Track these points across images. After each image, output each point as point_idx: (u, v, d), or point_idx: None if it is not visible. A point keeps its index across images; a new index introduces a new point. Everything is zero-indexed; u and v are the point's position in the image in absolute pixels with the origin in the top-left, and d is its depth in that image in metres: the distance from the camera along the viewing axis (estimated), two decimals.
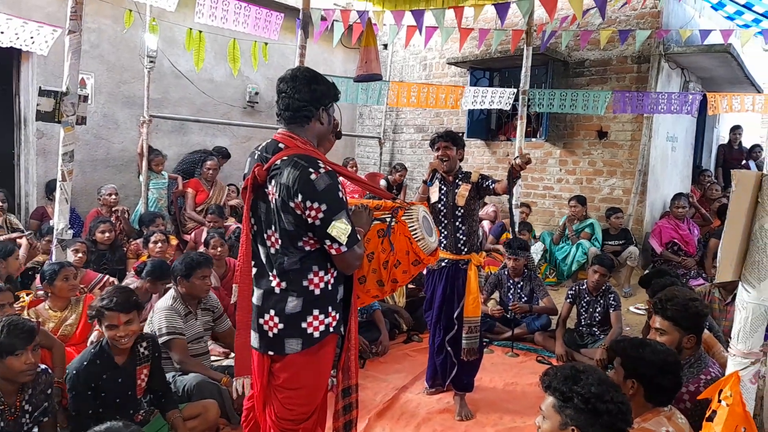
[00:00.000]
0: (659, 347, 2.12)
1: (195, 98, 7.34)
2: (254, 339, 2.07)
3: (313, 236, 1.95)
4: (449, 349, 3.54)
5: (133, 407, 2.79)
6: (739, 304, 1.48)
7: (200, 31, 5.31)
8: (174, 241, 5.57)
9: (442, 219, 3.49)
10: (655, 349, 2.08)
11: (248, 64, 5.96)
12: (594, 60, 7.08)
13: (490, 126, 8.34)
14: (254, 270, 2.09)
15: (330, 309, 2.03)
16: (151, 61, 6.04)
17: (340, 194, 1.92)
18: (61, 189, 3.77)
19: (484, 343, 4.56)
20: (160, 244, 4.96)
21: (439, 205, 3.49)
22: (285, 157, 1.94)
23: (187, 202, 6.49)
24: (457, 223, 3.45)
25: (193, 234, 6.19)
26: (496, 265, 5.98)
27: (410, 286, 5.30)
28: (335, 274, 2.04)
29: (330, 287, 2.03)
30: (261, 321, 2.03)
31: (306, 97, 2.02)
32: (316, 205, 1.87)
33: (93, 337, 3.37)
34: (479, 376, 3.82)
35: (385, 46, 9.09)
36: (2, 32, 3.73)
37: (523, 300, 4.99)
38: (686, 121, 7.78)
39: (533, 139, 7.55)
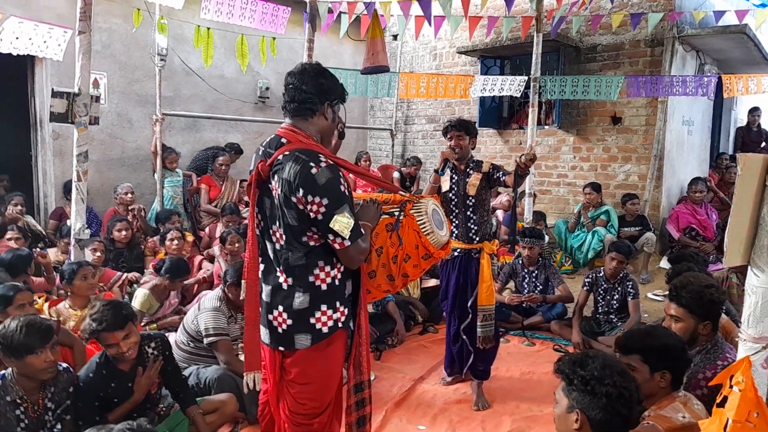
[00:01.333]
0: (666, 330, 2.11)
1: (206, 95, 7.39)
2: (265, 335, 2.08)
3: (316, 231, 1.94)
4: (464, 337, 3.55)
5: (150, 404, 2.82)
6: (749, 289, 1.46)
7: (208, 28, 5.33)
8: (190, 238, 5.64)
9: (453, 208, 3.48)
10: (665, 333, 2.08)
11: (257, 59, 5.98)
12: (606, 45, 6.98)
13: (502, 115, 8.29)
14: (262, 266, 2.09)
15: (338, 304, 2.01)
16: (162, 60, 6.09)
17: (342, 188, 1.90)
18: (77, 189, 3.83)
19: (501, 333, 4.58)
20: (176, 242, 5.02)
21: (450, 194, 3.48)
22: (287, 152, 1.93)
23: (201, 198, 6.55)
24: (468, 212, 3.45)
25: (207, 229, 6.26)
26: (510, 255, 5.96)
27: (424, 277, 5.30)
28: (342, 269, 2.03)
29: (337, 282, 2.01)
30: (270, 317, 2.04)
31: (312, 89, 2.01)
32: (317, 199, 1.85)
33: None
34: (496, 366, 3.82)
35: (395, 37, 9.05)
36: (17, 38, 3.78)
37: (538, 289, 4.97)
38: (703, 105, 7.65)
39: (546, 127, 7.49)
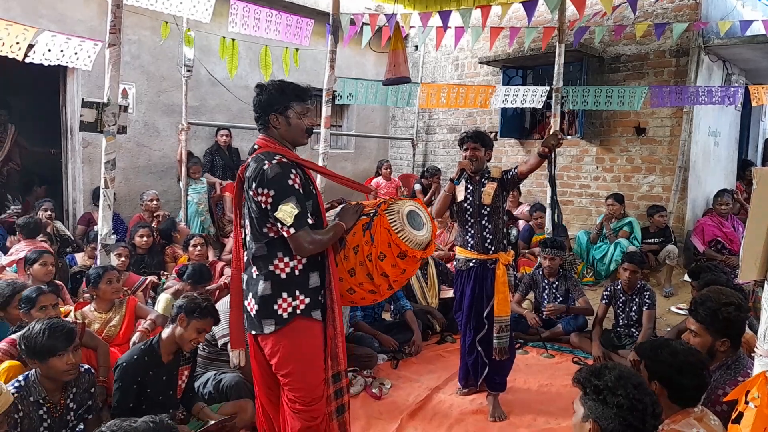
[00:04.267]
0: (679, 347, 2.08)
1: (231, 104, 7.53)
2: (246, 321, 2.34)
3: (273, 222, 2.16)
4: (480, 348, 3.53)
5: (173, 407, 2.90)
6: (765, 304, 1.44)
7: (233, 40, 5.45)
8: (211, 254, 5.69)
9: (469, 218, 3.49)
10: (674, 350, 2.05)
11: (281, 70, 6.08)
12: (630, 55, 6.92)
13: (523, 125, 8.26)
14: (245, 258, 2.35)
15: (297, 293, 2.22)
16: (189, 70, 6.23)
17: (290, 182, 2.13)
18: (104, 196, 3.94)
19: (519, 344, 4.54)
20: (199, 248, 5.11)
21: (465, 204, 3.49)
22: (254, 155, 2.23)
23: (225, 205, 6.66)
24: (484, 222, 3.45)
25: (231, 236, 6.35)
26: (530, 266, 5.92)
27: (443, 287, 5.30)
28: (303, 261, 2.23)
29: (297, 272, 2.22)
30: (245, 303, 2.30)
31: (257, 107, 2.30)
32: (265, 191, 2.12)
33: (135, 338, 3.50)
34: (513, 377, 3.80)
35: (417, 47, 9.10)
36: (49, 50, 3.93)
37: (558, 300, 4.92)
38: (730, 115, 7.51)
39: (568, 137, 7.43)
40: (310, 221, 2.17)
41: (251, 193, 2.17)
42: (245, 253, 2.36)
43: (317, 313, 2.27)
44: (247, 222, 2.28)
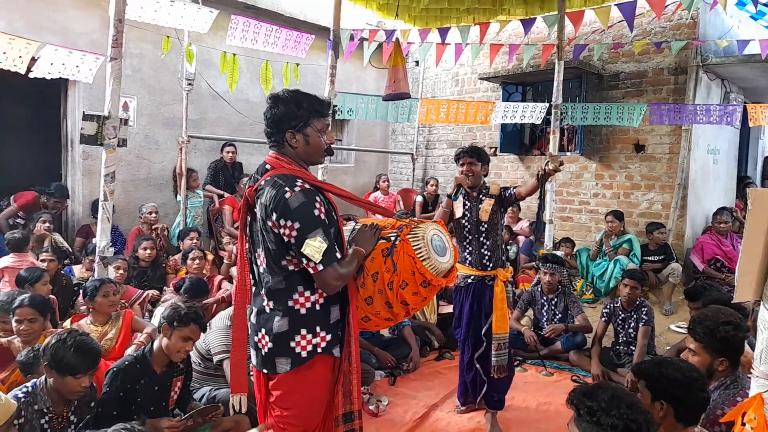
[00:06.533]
0: (681, 364, 2.06)
1: (231, 118, 7.56)
2: (253, 356, 2.11)
3: (294, 255, 1.95)
4: (478, 366, 3.51)
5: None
6: (761, 325, 1.44)
7: (234, 54, 5.48)
8: (210, 257, 5.71)
9: (467, 235, 3.49)
10: (677, 366, 2.02)
11: (282, 84, 6.11)
12: (629, 72, 6.97)
13: (523, 140, 8.29)
14: (253, 288, 2.13)
15: (318, 329, 2.01)
16: (190, 84, 6.27)
17: (316, 212, 1.91)
18: (103, 208, 3.94)
19: (517, 362, 4.51)
20: (197, 261, 5.10)
21: (463, 221, 3.49)
22: (268, 178, 1.98)
23: (224, 218, 6.66)
24: (482, 239, 3.45)
25: (233, 248, 6.34)
26: (530, 282, 5.90)
27: (441, 302, 5.28)
28: (324, 294, 2.01)
29: (318, 307, 2.01)
30: (256, 339, 2.06)
31: (270, 123, 2.05)
32: (289, 223, 1.88)
33: (131, 350, 3.48)
34: (511, 395, 3.77)
35: (417, 63, 9.16)
36: (51, 63, 3.96)
37: (557, 317, 4.90)
38: (729, 133, 7.55)
39: (568, 153, 7.46)
40: (339, 255, 1.95)
41: (270, 223, 1.93)
42: (253, 283, 2.13)
43: (337, 349, 2.06)
44: (261, 252, 2.03)
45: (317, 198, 1.95)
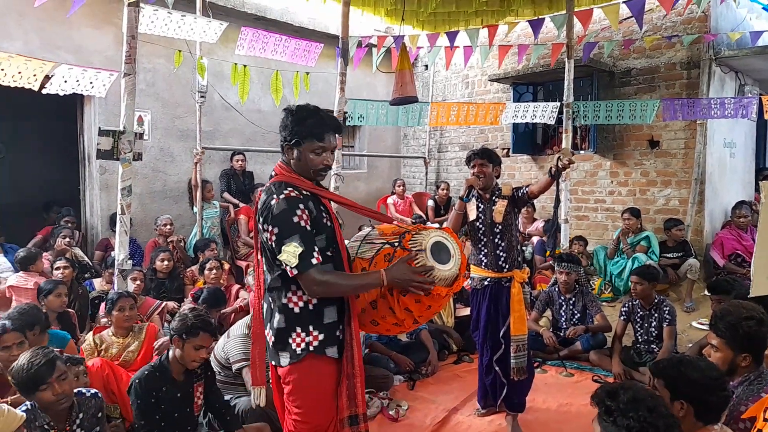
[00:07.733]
0: (700, 363, 2.03)
1: (244, 128, 7.62)
2: (267, 350, 2.25)
3: None
4: (497, 368, 3.49)
5: (191, 425, 2.91)
6: None
7: (245, 66, 5.54)
8: (226, 266, 5.76)
9: (482, 237, 3.48)
10: (696, 366, 1.99)
11: (293, 93, 6.16)
12: (641, 68, 6.90)
13: (536, 140, 8.24)
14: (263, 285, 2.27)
15: (311, 328, 2.09)
16: (202, 96, 6.34)
17: (295, 219, 1.99)
18: (121, 221, 4.00)
19: (537, 363, 4.48)
20: (215, 272, 5.14)
21: (477, 223, 3.48)
22: (268, 184, 2.14)
23: (240, 228, 6.71)
24: (497, 240, 3.43)
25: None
26: (547, 283, 5.86)
27: (458, 305, 5.26)
28: None
29: (311, 307, 2.09)
30: (266, 332, 2.21)
31: (280, 130, 2.19)
32: (270, 227, 2.01)
33: None
34: (532, 397, 3.74)
35: (426, 66, 9.17)
36: (65, 81, 4.04)
37: (575, 317, 4.86)
38: (745, 126, 7.44)
39: (581, 152, 7.41)
40: (315, 260, 1.98)
41: (260, 226, 2.08)
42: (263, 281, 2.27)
43: (333, 350, 2.11)
44: (261, 252, 2.19)
45: (300, 205, 2.03)
